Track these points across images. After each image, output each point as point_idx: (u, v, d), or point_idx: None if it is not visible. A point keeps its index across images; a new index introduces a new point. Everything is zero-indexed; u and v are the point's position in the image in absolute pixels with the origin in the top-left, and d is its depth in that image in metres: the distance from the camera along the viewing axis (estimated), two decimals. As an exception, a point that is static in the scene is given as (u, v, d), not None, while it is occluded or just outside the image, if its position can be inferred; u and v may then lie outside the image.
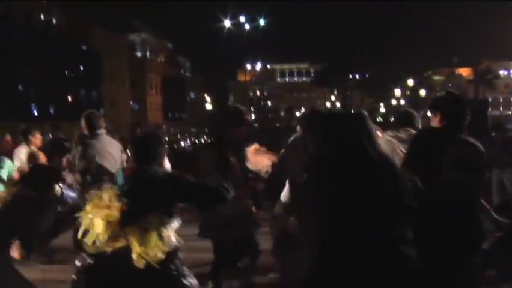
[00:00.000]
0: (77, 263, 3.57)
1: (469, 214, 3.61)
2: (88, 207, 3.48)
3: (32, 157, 7.92)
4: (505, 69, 79.68)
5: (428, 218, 3.16)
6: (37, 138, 8.29)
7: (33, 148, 8.15)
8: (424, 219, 2.91)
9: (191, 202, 3.72)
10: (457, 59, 67.07)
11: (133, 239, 3.34)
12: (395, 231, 2.63)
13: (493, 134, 11.02)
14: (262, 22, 41.50)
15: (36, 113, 46.14)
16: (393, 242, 2.60)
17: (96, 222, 3.37)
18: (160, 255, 3.40)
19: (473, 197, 3.71)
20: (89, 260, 3.47)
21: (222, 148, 4.87)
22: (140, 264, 3.33)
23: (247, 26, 41.60)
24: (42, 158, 8.09)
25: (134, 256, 3.33)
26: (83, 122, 6.60)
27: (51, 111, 47.15)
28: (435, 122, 3.89)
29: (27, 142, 8.12)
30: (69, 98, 49.82)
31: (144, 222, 3.39)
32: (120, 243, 3.38)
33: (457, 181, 3.53)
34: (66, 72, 48.73)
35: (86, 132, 6.56)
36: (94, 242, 3.40)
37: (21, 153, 7.98)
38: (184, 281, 3.55)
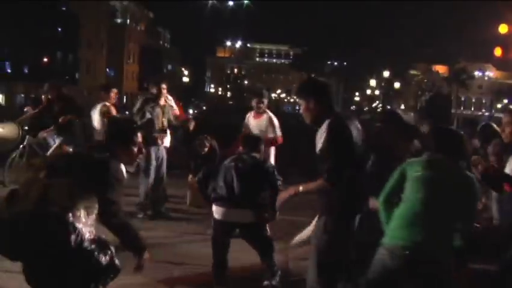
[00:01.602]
0: None
1: None
2: None
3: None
4: (480, 70, 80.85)
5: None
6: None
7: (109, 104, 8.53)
8: None
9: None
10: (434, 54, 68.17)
11: None
12: None
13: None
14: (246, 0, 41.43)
15: (9, 71, 45.47)
16: None
17: None
18: None
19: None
20: None
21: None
22: None
23: (231, 2, 41.50)
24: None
25: None
26: None
27: (25, 71, 46.49)
28: (316, 107, 4.04)
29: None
30: (44, 59, 49.07)
31: None
32: None
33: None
34: (43, 33, 47.97)
35: None
36: None
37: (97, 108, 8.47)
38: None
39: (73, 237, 2.99)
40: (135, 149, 3.64)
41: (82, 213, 3.10)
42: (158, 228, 6.90)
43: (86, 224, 3.12)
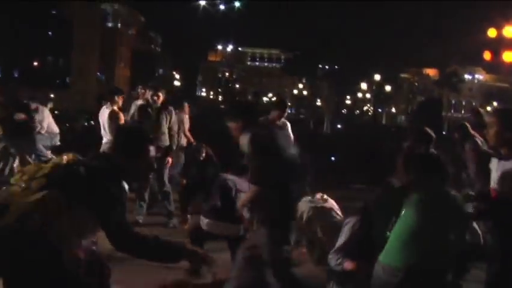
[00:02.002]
0: None
1: None
2: None
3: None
4: (470, 73, 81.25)
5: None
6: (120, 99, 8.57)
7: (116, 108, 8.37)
8: None
9: None
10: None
11: None
12: None
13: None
14: (237, 3, 41.48)
15: (-1, 75, 45.24)
16: None
17: None
18: None
19: None
20: None
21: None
22: None
23: (222, 6, 41.52)
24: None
25: None
26: None
27: (16, 75, 46.28)
28: (244, 124, 4.48)
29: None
30: (35, 63, 48.89)
31: None
32: None
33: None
34: (35, 36, 47.68)
35: None
36: None
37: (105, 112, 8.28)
38: None
39: (48, 257, 2.74)
40: (144, 164, 3.20)
41: (70, 234, 2.84)
42: (152, 233, 6.89)
43: (75, 246, 2.91)
